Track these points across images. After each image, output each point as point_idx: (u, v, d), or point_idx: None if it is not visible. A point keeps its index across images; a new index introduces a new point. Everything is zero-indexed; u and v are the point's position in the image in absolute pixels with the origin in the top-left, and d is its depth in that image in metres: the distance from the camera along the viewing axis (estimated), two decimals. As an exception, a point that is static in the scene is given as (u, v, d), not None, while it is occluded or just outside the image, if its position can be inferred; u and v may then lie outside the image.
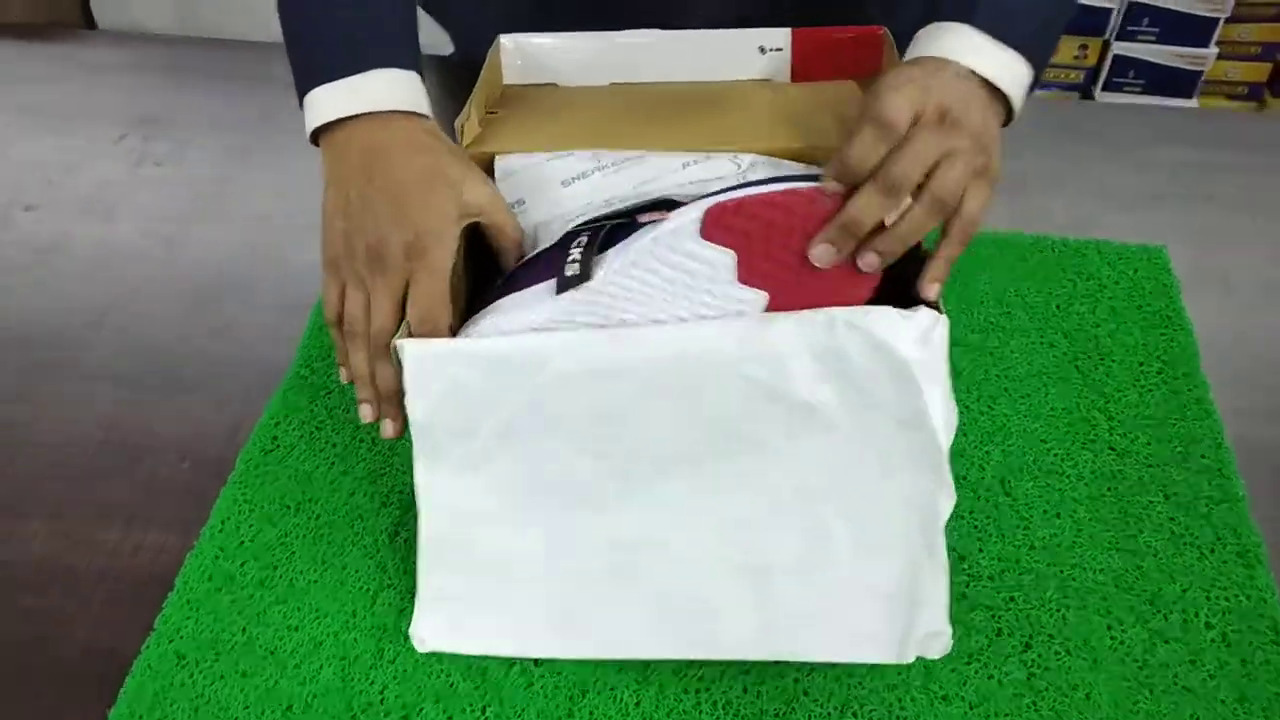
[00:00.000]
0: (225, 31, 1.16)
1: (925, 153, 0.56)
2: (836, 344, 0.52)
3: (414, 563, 0.59)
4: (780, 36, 0.79)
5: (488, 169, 0.69)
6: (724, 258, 0.55)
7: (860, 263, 0.56)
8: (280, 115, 0.99)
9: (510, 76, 0.80)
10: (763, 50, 0.79)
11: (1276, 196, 0.92)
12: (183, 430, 0.73)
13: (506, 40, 0.79)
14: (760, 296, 0.55)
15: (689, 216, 0.55)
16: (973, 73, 0.60)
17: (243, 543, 0.65)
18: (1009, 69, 0.62)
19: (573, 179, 0.67)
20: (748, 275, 0.55)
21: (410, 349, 0.56)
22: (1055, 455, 0.71)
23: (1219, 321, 0.80)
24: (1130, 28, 2.24)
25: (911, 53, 0.64)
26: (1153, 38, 2.25)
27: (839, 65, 0.78)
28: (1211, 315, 0.81)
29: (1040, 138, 0.97)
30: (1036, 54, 0.63)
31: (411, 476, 0.57)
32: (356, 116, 0.63)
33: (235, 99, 1.01)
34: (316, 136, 0.66)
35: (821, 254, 0.55)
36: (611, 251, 0.58)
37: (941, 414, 0.52)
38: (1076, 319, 0.80)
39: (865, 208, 0.55)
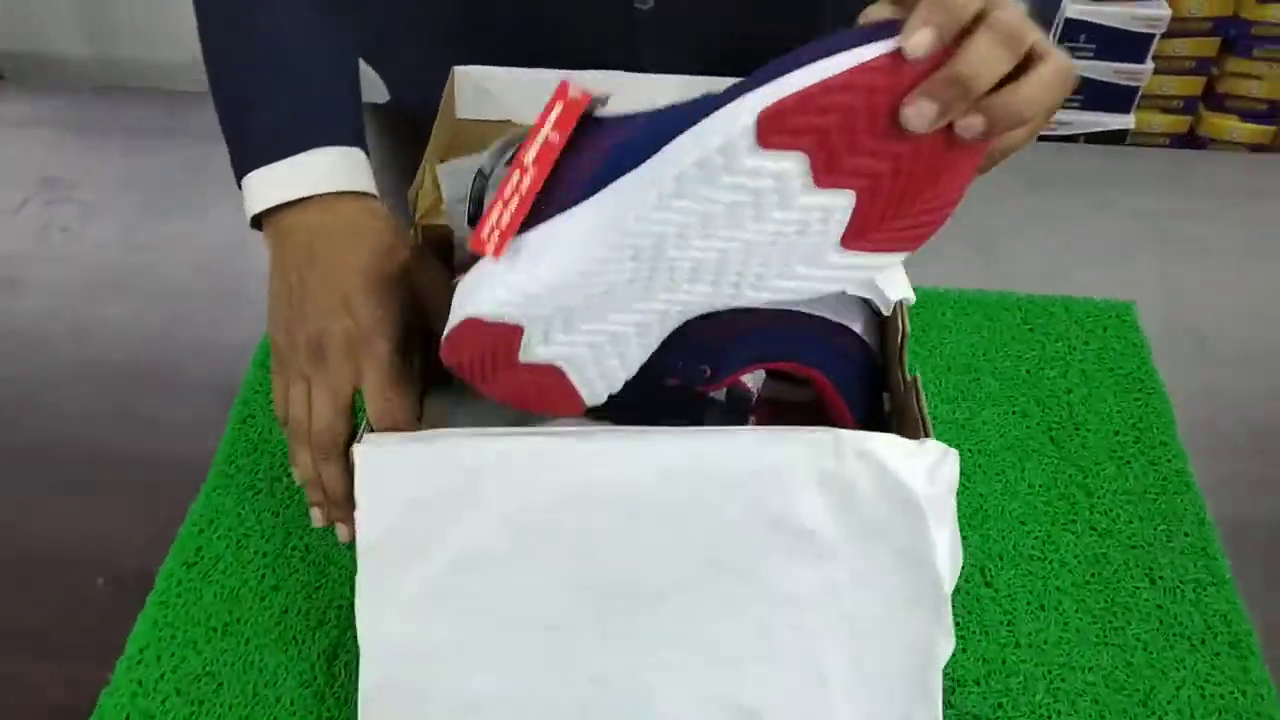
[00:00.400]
0: (144, 60, 1.10)
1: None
2: (843, 471, 0.48)
3: (355, 691, 0.53)
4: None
5: (445, 242, 0.65)
6: (794, 164, 0.44)
7: (961, 126, 0.44)
8: (198, 172, 0.93)
9: (463, 110, 0.76)
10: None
11: (1240, 244, 0.90)
12: (96, 540, 0.67)
13: (460, 73, 0.74)
14: (846, 199, 0.45)
15: (739, 123, 0.43)
16: None
17: (164, 675, 0.59)
18: None
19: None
20: (827, 176, 0.44)
21: (361, 453, 0.50)
22: (1036, 539, 0.67)
23: (1192, 383, 0.77)
24: (1068, 44, 2.24)
25: None
26: (1090, 54, 2.25)
27: None
28: (1184, 376, 0.78)
29: (1001, 188, 0.93)
30: None
31: (350, 588, 0.52)
32: (298, 201, 0.59)
33: (148, 156, 0.95)
34: (258, 220, 0.61)
35: (919, 113, 0.42)
36: (629, 177, 0.47)
37: (947, 555, 0.48)
38: (1048, 384, 0.76)
39: (984, 60, 0.42)
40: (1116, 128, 2.34)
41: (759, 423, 0.62)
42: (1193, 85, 2.39)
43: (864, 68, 0.42)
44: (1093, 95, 2.30)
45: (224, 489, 0.68)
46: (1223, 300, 0.84)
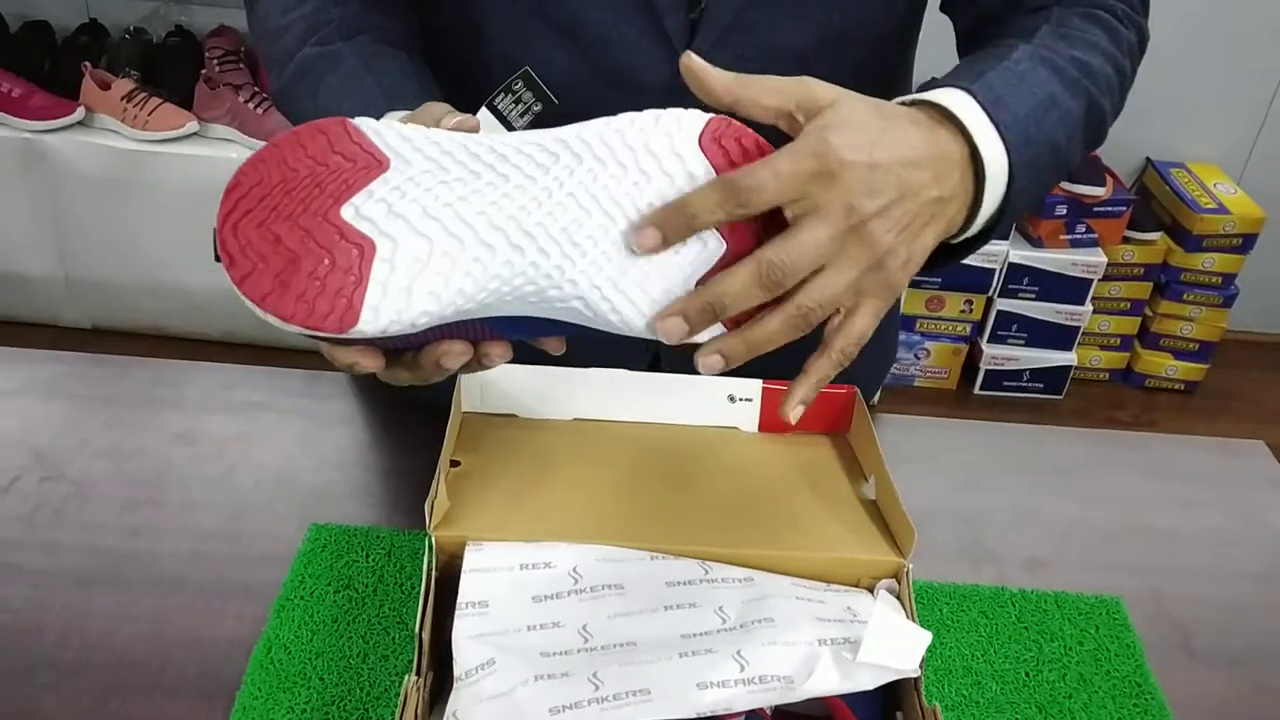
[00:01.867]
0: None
1: (820, 249, 0.53)
2: None
3: None
4: (751, 388, 0.78)
5: (457, 552, 0.66)
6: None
7: (700, 363, 0.53)
8: (192, 449, 0.92)
9: (469, 403, 0.77)
10: (732, 399, 0.78)
11: (1214, 534, 0.93)
12: None
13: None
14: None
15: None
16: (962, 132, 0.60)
17: None
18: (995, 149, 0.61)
19: (545, 597, 0.63)
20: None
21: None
22: None
23: (1183, 684, 0.79)
24: (1011, 286, 2.36)
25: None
26: (1033, 295, 2.37)
27: (807, 420, 0.77)
28: (1174, 676, 0.79)
29: (982, 471, 0.97)
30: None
31: None
32: None
33: (141, 429, 0.95)
34: None
35: (671, 328, 0.53)
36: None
37: None
38: (1048, 689, 0.77)
39: (739, 294, 0.53)
40: (1060, 363, 2.45)
41: None
42: (1129, 325, 2.52)
43: None
44: (1036, 334, 2.41)
45: (218, 812, 0.66)
46: (1201, 593, 0.87)
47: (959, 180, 0.61)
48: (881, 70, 0.81)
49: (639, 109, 0.64)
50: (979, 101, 0.62)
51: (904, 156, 0.56)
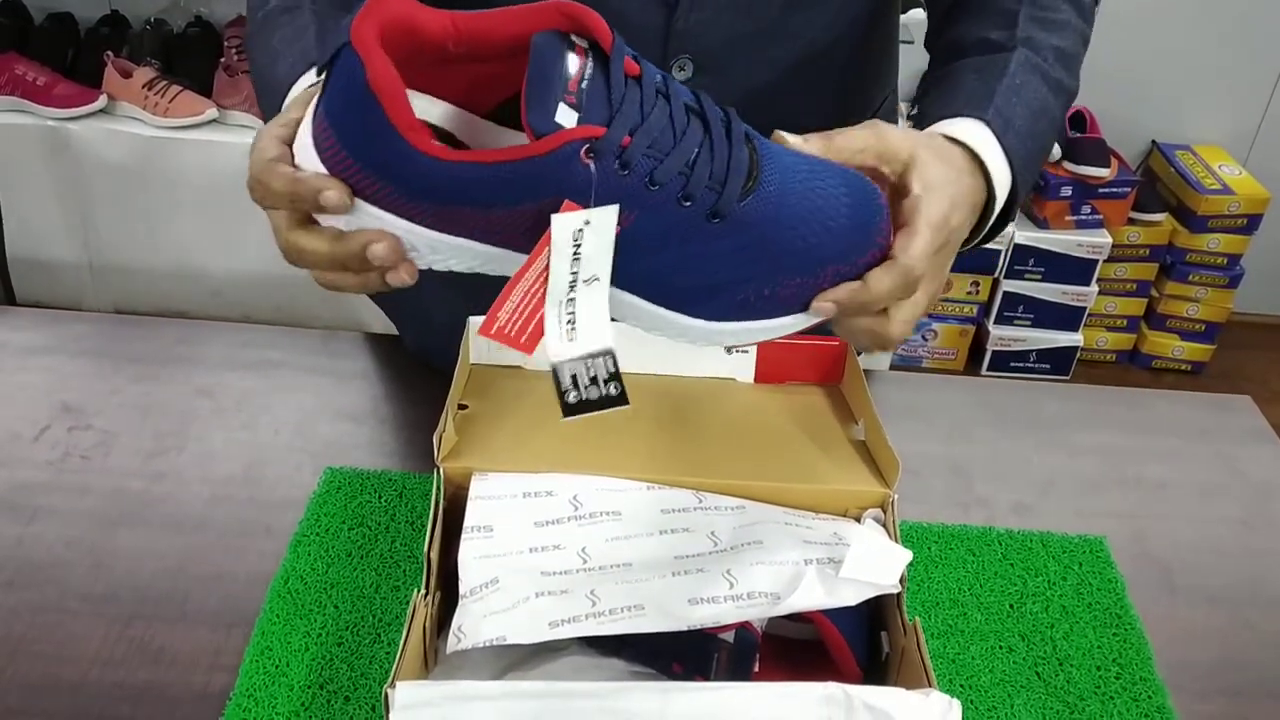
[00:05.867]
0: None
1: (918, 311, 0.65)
2: None
3: None
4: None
5: (464, 485, 0.69)
6: None
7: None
8: (213, 402, 0.97)
9: (476, 355, 0.81)
10: (729, 351, 0.82)
11: (1196, 482, 0.96)
12: (109, 780, 0.67)
13: (474, 323, 0.79)
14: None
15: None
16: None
17: None
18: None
19: (547, 522, 0.66)
20: None
21: (401, 696, 0.53)
22: (1030, 777, 0.70)
23: (1163, 619, 0.82)
24: (1017, 267, 2.38)
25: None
26: (1039, 276, 2.39)
27: (801, 370, 0.81)
28: (1156, 611, 0.82)
29: (975, 425, 1.00)
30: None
31: None
32: None
33: (164, 384, 0.99)
34: None
35: (824, 310, 0.61)
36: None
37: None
38: (1031, 620, 0.80)
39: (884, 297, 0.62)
40: (1066, 344, 2.47)
41: (763, 659, 0.65)
42: (1135, 306, 2.54)
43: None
44: (1042, 315, 2.43)
45: (240, 725, 0.70)
46: (1184, 537, 0.90)
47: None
48: (865, 12, 0.85)
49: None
50: (994, 131, 0.71)
51: (965, 210, 0.68)
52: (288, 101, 0.69)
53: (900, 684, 0.61)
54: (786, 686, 0.54)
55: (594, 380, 0.58)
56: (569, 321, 0.57)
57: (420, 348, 1.02)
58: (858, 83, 0.90)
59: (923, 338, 2.48)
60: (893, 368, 2.38)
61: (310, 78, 0.69)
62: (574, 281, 0.56)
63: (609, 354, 0.57)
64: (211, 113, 2.25)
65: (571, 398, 0.58)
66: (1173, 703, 0.75)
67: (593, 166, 0.54)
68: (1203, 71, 2.45)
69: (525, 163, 0.53)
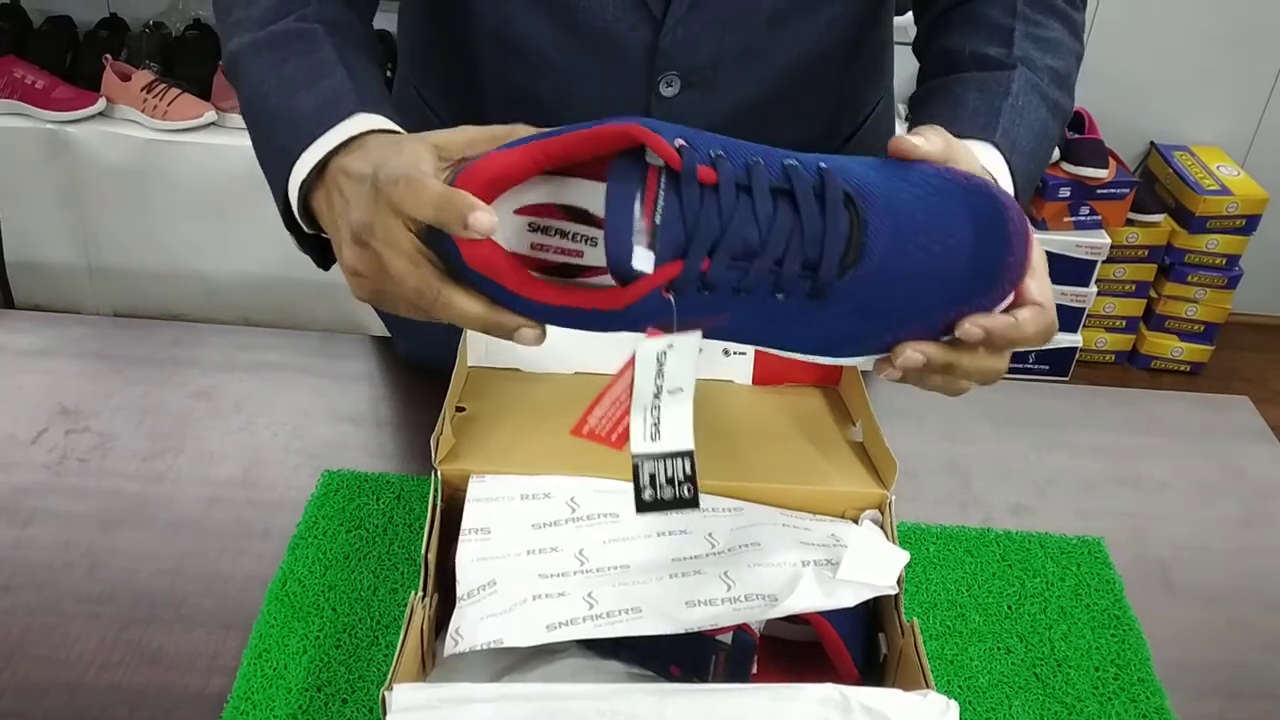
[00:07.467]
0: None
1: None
2: None
3: None
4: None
5: (461, 487, 0.69)
6: None
7: (902, 358, 0.60)
8: (210, 404, 0.96)
9: (474, 357, 0.81)
10: (727, 353, 0.82)
11: (1199, 481, 0.96)
12: (107, 782, 0.67)
13: None
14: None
15: None
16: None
17: None
18: None
19: (544, 524, 0.66)
20: None
21: (399, 698, 0.53)
22: (1028, 779, 0.69)
23: (1161, 619, 0.82)
24: (1016, 268, 2.37)
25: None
26: (1037, 277, 2.38)
27: (799, 372, 0.81)
28: (1154, 612, 0.82)
29: (972, 425, 1.00)
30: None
31: None
32: (329, 157, 0.65)
33: (162, 386, 0.99)
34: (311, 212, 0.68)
35: (971, 334, 0.59)
36: None
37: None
38: (1029, 621, 0.80)
39: (972, 371, 0.61)
40: (1065, 345, 2.47)
41: (761, 661, 0.65)
42: (1134, 307, 2.53)
43: None
44: (1042, 316, 2.43)
45: (237, 728, 0.69)
46: (1182, 537, 0.90)
47: None
48: (854, 24, 0.85)
49: (621, 74, 0.66)
50: (1002, 154, 0.71)
51: None
52: (338, 135, 0.67)
53: (898, 685, 0.61)
54: (784, 688, 0.54)
55: (670, 480, 0.58)
56: (654, 424, 0.58)
57: (413, 356, 1.02)
58: (849, 90, 0.91)
59: (922, 339, 2.47)
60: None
61: (360, 123, 0.67)
62: (659, 392, 0.57)
63: (688, 455, 0.58)
64: (210, 115, 2.25)
65: (646, 495, 0.58)
66: (1171, 704, 0.75)
67: (673, 300, 0.54)
68: (1201, 72, 2.45)
69: (609, 313, 0.56)
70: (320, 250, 0.73)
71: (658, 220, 0.54)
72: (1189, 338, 2.53)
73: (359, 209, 0.60)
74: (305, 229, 0.70)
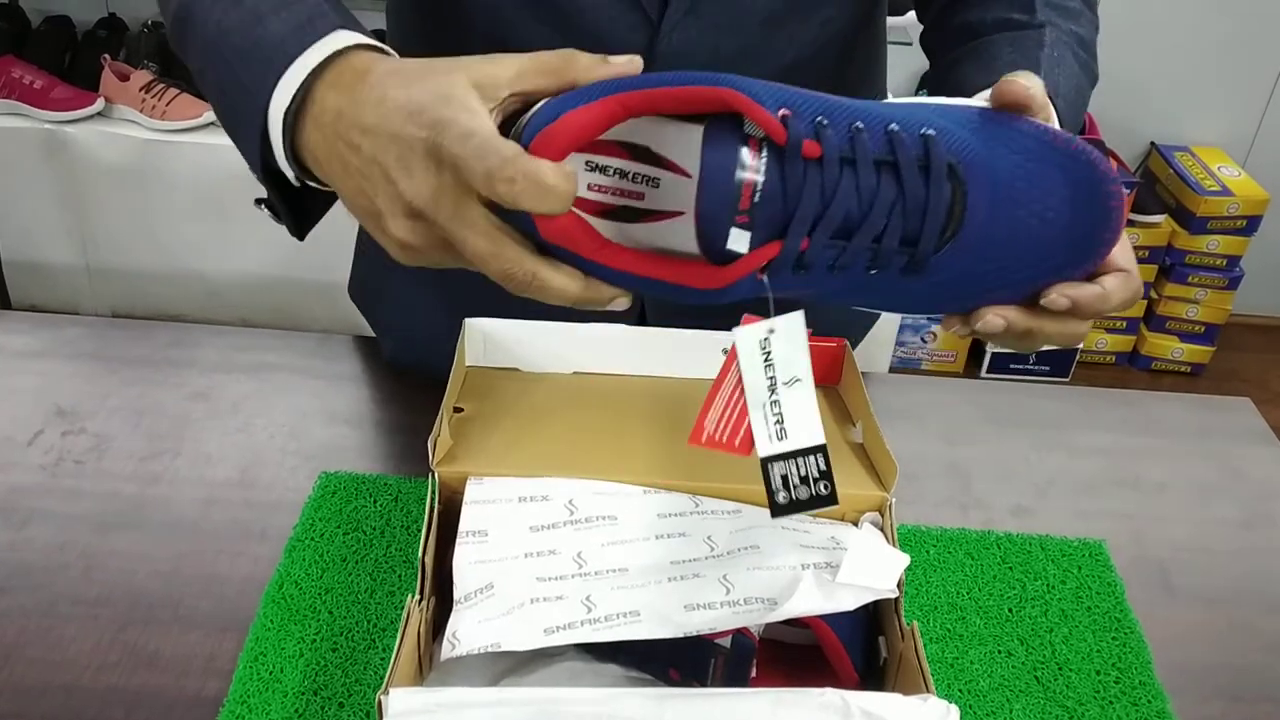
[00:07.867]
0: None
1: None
2: None
3: None
4: None
5: (459, 489, 0.68)
6: None
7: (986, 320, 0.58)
8: (207, 405, 0.96)
9: (472, 357, 0.80)
10: (724, 352, 0.81)
11: (1200, 482, 0.95)
12: (102, 786, 0.67)
13: (471, 324, 0.79)
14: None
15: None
16: None
17: None
18: None
19: (542, 527, 0.66)
20: None
21: (395, 702, 0.52)
22: (1029, 783, 0.69)
23: (1162, 622, 0.81)
24: (1016, 269, 2.37)
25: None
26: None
27: None
28: (1154, 614, 0.82)
29: (973, 427, 0.99)
30: None
31: None
32: (315, 75, 0.57)
33: (159, 387, 0.98)
34: (296, 147, 0.58)
35: (1057, 304, 0.57)
36: None
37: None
38: (1030, 624, 0.80)
39: (1054, 336, 0.59)
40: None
41: (760, 665, 0.64)
42: (1135, 307, 2.53)
43: None
44: (1039, 353, 2.43)
45: (233, 731, 0.69)
46: (1183, 538, 0.89)
47: None
48: (848, 26, 0.84)
49: None
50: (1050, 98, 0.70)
51: None
52: (310, 54, 0.58)
53: (898, 689, 0.60)
54: (784, 692, 0.53)
55: (804, 479, 0.56)
56: (777, 422, 0.55)
57: (398, 360, 1.02)
58: (843, 91, 0.89)
59: (922, 340, 2.47)
60: (892, 370, 2.38)
61: (344, 37, 0.59)
62: (773, 385, 0.55)
63: (821, 450, 0.55)
64: (209, 115, 2.25)
65: (781, 498, 0.56)
66: (1173, 707, 0.74)
67: (766, 280, 0.52)
68: (1202, 73, 2.44)
69: (702, 291, 0.53)
70: (295, 210, 0.64)
71: (756, 199, 0.51)
72: (1189, 339, 2.53)
73: (415, 179, 0.53)
74: (293, 179, 0.61)
